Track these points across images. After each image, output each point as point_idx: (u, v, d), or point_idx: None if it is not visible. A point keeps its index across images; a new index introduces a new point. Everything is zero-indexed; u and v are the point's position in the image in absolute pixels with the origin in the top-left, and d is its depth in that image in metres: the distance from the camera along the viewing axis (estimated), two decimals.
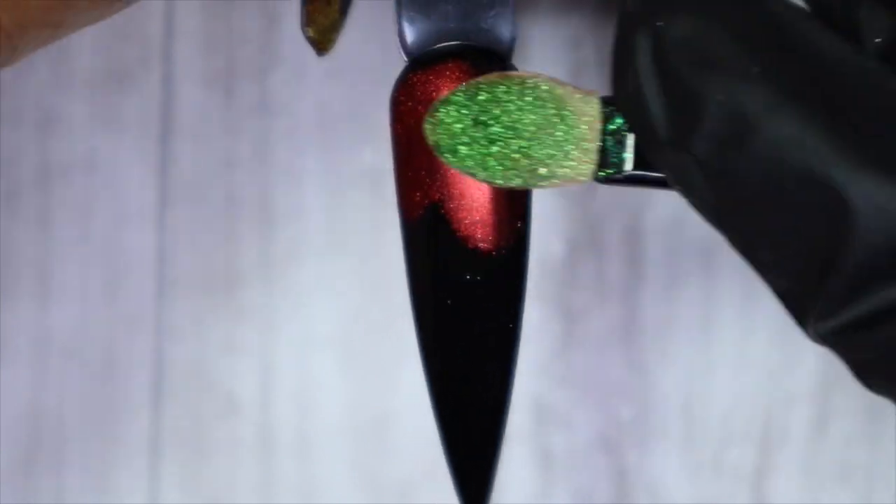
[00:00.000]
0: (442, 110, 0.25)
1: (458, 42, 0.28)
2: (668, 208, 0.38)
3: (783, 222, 0.22)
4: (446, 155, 0.26)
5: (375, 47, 0.38)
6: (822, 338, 0.23)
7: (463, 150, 0.25)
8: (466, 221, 0.28)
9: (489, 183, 0.26)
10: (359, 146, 0.38)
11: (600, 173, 0.26)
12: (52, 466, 0.39)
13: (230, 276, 0.39)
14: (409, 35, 0.28)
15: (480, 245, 0.28)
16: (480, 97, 0.25)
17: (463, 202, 0.28)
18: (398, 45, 0.29)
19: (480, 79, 0.25)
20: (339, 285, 0.39)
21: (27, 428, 0.39)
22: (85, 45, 0.38)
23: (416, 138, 0.27)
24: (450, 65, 0.28)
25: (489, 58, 0.28)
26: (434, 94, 0.28)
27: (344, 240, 0.39)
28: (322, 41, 0.28)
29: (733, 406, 0.39)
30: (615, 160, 0.26)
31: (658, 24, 0.23)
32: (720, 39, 0.23)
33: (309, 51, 0.39)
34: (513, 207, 0.29)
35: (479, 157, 0.25)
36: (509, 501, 0.39)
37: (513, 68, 0.28)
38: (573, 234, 0.38)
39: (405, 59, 0.29)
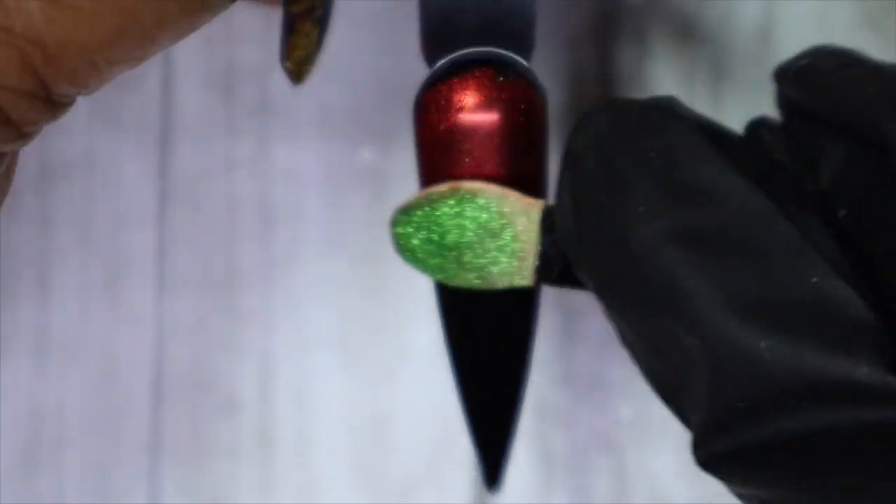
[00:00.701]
0: (401, 219, 0.28)
1: (481, 49, 0.29)
2: None
3: (659, 355, 0.23)
4: (404, 258, 0.28)
5: (375, 48, 0.38)
6: (701, 465, 0.23)
7: (417, 256, 0.28)
8: None
9: (441, 280, 0.28)
10: (359, 146, 0.38)
11: (543, 279, 0.28)
12: (53, 466, 0.39)
13: (230, 276, 0.39)
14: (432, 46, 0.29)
15: None
16: (432, 210, 0.28)
17: None
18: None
19: (434, 189, 0.28)
20: (339, 285, 0.39)
21: (27, 427, 0.39)
22: None
23: (440, 146, 0.28)
24: (475, 73, 0.28)
25: (512, 65, 0.29)
26: (460, 103, 0.28)
27: (344, 240, 0.39)
28: (299, 72, 0.29)
29: None
30: (554, 266, 0.27)
31: (578, 151, 0.25)
32: (624, 170, 0.24)
33: None
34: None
35: (430, 263, 0.28)
36: (509, 500, 0.39)
37: (531, 73, 0.29)
38: None
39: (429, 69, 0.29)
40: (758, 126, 0.27)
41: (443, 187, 0.27)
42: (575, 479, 0.39)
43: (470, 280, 0.28)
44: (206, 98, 0.39)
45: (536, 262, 0.27)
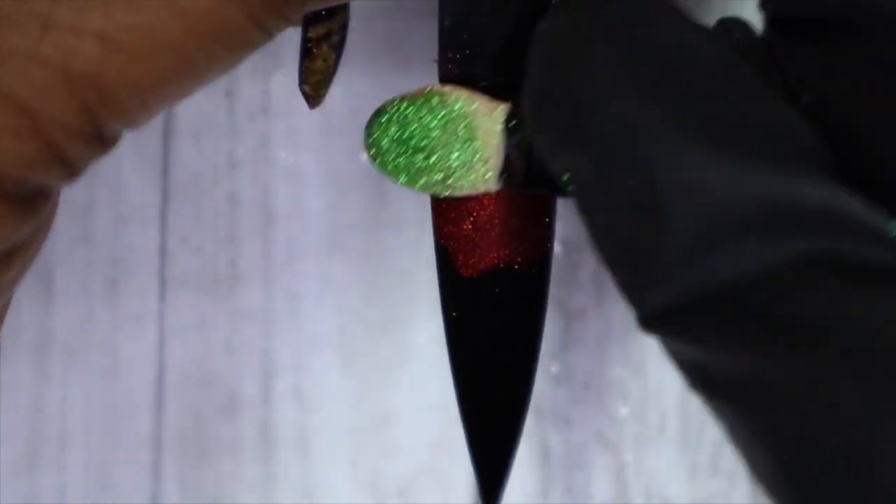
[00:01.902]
0: (372, 121, 0.29)
1: (495, 78, 0.29)
2: None
3: (614, 204, 0.22)
4: (375, 162, 0.29)
5: (376, 48, 0.38)
6: (647, 322, 0.22)
7: (385, 158, 0.29)
8: (499, 224, 0.30)
9: (407, 187, 0.29)
10: (359, 146, 0.38)
11: (508, 183, 0.29)
12: (54, 465, 0.39)
13: (231, 275, 0.39)
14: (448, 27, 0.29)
15: (514, 265, 0.30)
16: (404, 112, 0.29)
17: (497, 229, 0.29)
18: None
19: (405, 94, 0.29)
20: (340, 285, 0.39)
21: (29, 426, 0.39)
22: None
23: None
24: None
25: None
26: None
27: (344, 240, 0.39)
28: (316, 95, 0.30)
29: None
30: (518, 170, 0.28)
31: (544, 27, 0.25)
32: (586, 27, 0.24)
33: None
34: (543, 229, 0.30)
35: (399, 166, 0.29)
36: (508, 500, 0.39)
37: None
38: (571, 234, 0.39)
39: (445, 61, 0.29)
40: (729, 22, 0.27)
41: (413, 91, 0.29)
42: (573, 478, 0.39)
43: (434, 183, 0.29)
44: (207, 99, 0.39)
45: (501, 164, 0.28)
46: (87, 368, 0.39)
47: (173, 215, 0.39)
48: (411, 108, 0.29)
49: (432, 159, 0.29)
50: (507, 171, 0.28)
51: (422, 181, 0.29)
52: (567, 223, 0.39)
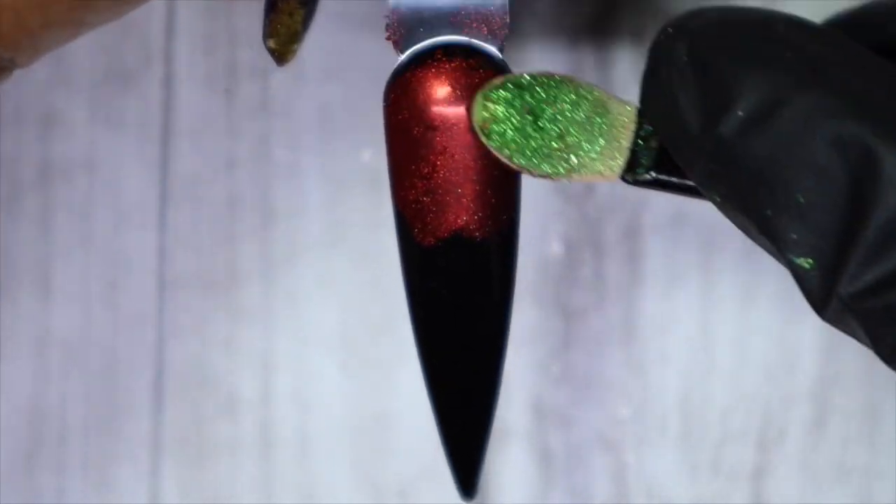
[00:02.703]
0: (493, 95, 0.27)
1: (452, 37, 0.28)
2: (668, 207, 0.38)
3: (812, 190, 0.24)
4: (493, 137, 0.27)
5: (375, 47, 0.38)
6: (845, 305, 0.24)
7: (508, 134, 0.27)
8: (460, 192, 0.28)
9: (523, 170, 0.28)
10: (359, 146, 0.38)
11: (628, 175, 0.28)
12: (53, 465, 0.39)
13: (230, 275, 0.39)
14: (403, 31, 0.28)
15: (474, 234, 0.29)
16: (537, 88, 0.28)
17: (452, 194, 0.28)
18: (392, 43, 0.29)
19: (529, 72, 0.28)
20: (339, 285, 0.39)
21: (28, 427, 0.39)
22: (85, 45, 0.38)
23: (411, 138, 0.28)
24: (450, 63, 0.28)
25: (483, 53, 0.28)
26: (432, 92, 0.28)
27: (344, 239, 0.39)
28: (282, 52, 0.29)
29: (732, 405, 0.39)
30: (644, 161, 0.28)
31: (694, 27, 0.26)
32: (751, 29, 0.25)
33: (309, 51, 0.39)
34: (503, 197, 0.29)
35: (521, 143, 0.27)
36: (508, 500, 0.39)
37: (504, 64, 0.29)
38: (571, 234, 0.39)
39: (389, 36, 0.29)
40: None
41: (536, 71, 0.28)
42: (574, 479, 0.39)
43: (560, 167, 0.28)
44: (206, 98, 0.39)
45: (628, 157, 0.28)
46: (86, 368, 0.39)
47: (172, 215, 0.39)
48: (544, 87, 0.28)
49: (568, 142, 0.28)
50: (632, 164, 0.28)
51: (547, 165, 0.28)
52: (567, 222, 0.39)
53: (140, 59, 0.39)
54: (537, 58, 0.38)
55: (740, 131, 0.24)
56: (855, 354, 0.38)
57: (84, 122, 0.39)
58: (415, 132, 0.28)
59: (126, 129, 0.39)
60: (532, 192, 0.40)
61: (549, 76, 0.28)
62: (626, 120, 0.28)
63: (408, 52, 0.28)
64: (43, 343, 0.39)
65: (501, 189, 0.28)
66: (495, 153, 0.28)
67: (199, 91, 0.39)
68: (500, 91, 0.27)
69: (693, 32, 0.25)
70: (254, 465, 0.39)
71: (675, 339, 0.39)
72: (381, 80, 0.29)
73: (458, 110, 0.28)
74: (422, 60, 0.28)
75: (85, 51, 0.38)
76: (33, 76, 0.38)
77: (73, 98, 0.38)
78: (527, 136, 0.27)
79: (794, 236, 0.24)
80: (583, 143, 0.28)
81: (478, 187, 0.28)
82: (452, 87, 0.28)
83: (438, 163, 0.28)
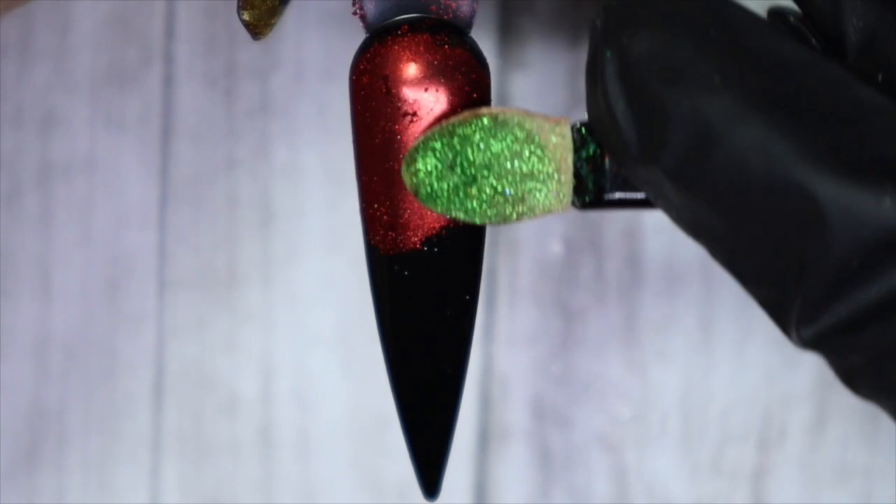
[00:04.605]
0: (419, 157, 0.26)
1: (419, 14, 0.28)
2: None
3: (756, 230, 0.22)
4: (425, 201, 0.26)
5: None
6: (806, 343, 0.23)
7: (442, 194, 0.26)
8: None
9: (469, 220, 0.26)
10: None
11: (576, 202, 0.26)
12: (53, 465, 0.39)
13: (230, 275, 0.39)
14: (370, 6, 0.28)
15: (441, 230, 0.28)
16: (455, 140, 0.26)
17: None
18: (359, 18, 0.28)
19: (453, 119, 0.26)
20: (339, 285, 0.39)
21: (28, 427, 0.39)
22: (86, 45, 0.38)
23: (374, 113, 0.27)
24: (414, 37, 0.28)
25: (450, 30, 0.28)
26: (397, 65, 0.27)
27: (344, 239, 0.39)
28: (257, 25, 0.28)
29: (732, 406, 0.39)
30: (591, 186, 0.26)
31: (622, 40, 0.24)
32: (682, 51, 0.23)
33: (309, 51, 0.39)
34: None
35: (457, 200, 0.26)
36: (508, 500, 0.39)
37: (472, 41, 0.28)
38: (572, 234, 0.39)
39: (366, 32, 0.28)
40: (778, 11, 0.27)
41: (461, 115, 0.26)
42: (574, 479, 0.39)
43: (505, 210, 0.26)
44: (206, 98, 0.39)
45: (573, 183, 0.26)
46: (86, 368, 0.39)
47: (172, 215, 0.39)
48: (462, 132, 0.26)
49: (501, 184, 0.26)
50: (580, 189, 0.26)
51: (492, 212, 0.26)
52: (567, 222, 0.39)
53: (140, 59, 0.39)
54: (537, 58, 0.38)
55: (679, 167, 0.23)
56: None
57: (84, 122, 0.39)
58: (378, 104, 0.27)
59: (126, 129, 0.39)
60: None
61: (475, 117, 0.26)
62: (564, 149, 0.26)
63: (373, 27, 0.28)
64: (43, 343, 0.39)
65: None
66: (433, 210, 0.27)
67: (199, 91, 0.39)
68: (424, 147, 0.26)
69: (623, 48, 0.23)
70: (254, 465, 0.39)
71: (674, 339, 0.39)
72: None
73: (421, 85, 0.27)
74: (387, 34, 0.28)
75: (85, 51, 0.38)
76: (34, 76, 0.38)
77: (74, 98, 0.38)
78: (461, 188, 0.26)
79: (745, 270, 0.23)
80: (524, 184, 0.26)
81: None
82: (415, 60, 0.27)
83: (400, 136, 0.27)
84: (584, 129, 0.26)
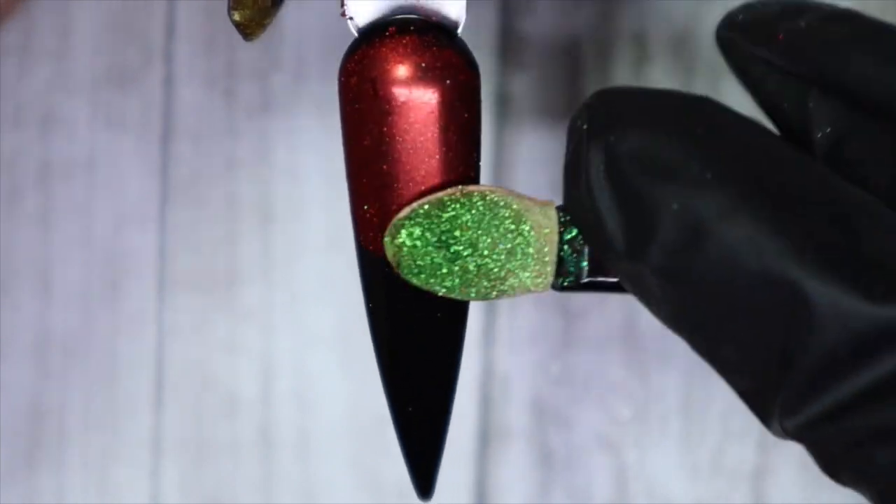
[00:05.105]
0: (403, 231, 0.26)
1: (408, 15, 0.27)
2: None
3: (741, 323, 0.23)
4: (407, 274, 0.26)
5: None
6: (789, 433, 0.23)
7: (424, 269, 0.26)
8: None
9: (447, 296, 0.26)
10: None
11: (558, 281, 0.26)
12: (54, 465, 0.39)
13: (230, 275, 0.39)
14: (356, 8, 0.28)
15: None
16: (441, 217, 0.26)
17: (411, 183, 0.28)
18: (348, 20, 0.28)
19: (440, 195, 0.26)
20: (339, 285, 0.39)
21: (28, 426, 0.39)
22: (86, 45, 0.38)
23: (363, 115, 0.27)
24: (401, 38, 0.27)
25: (438, 31, 0.28)
26: (384, 67, 0.27)
27: (344, 239, 0.39)
28: (248, 26, 0.28)
29: (732, 405, 0.39)
30: (572, 269, 0.26)
31: (609, 138, 0.24)
32: (670, 150, 0.23)
33: (309, 51, 0.39)
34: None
35: (439, 275, 0.26)
36: (508, 500, 0.39)
37: (462, 42, 0.28)
38: None
39: (355, 34, 0.28)
40: (731, 19, 0.27)
41: (449, 191, 0.26)
42: (574, 479, 0.39)
43: (485, 288, 0.26)
44: (206, 98, 0.39)
45: (554, 268, 0.26)
46: (86, 369, 0.39)
47: (172, 215, 0.39)
48: (452, 211, 0.26)
49: (485, 263, 0.26)
50: (560, 271, 0.26)
51: (472, 291, 0.26)
52: None
53: (140, 60, 0.39)
54: (537, 58, 0.38)
55: (666, 262, 0.23)
56: None
57: (85, 122, 0.39)
58: (366, 106, 0.27)
59: (126, 129, 0.39)
60: (532, 192, 0.40)
61: (462, 196, 0.26)
62: (549, 230, 0.26)
63: (361, 29, 0.28)
64: (43, 343, 0.39)
65: (460, 175, 0.28)
66: (412, 283, 0.26)
67: (199, 91, 0.39)
68: (410, 221, 0.26)
69: (610, 147, 0.24)
70: (254, 465, 0.39)
71: (675, 339, 0.39)
72: None
73: (409, 86, 0.27)
74: (375, 36, 0.27)
75: (86, 51, 0.38)
76: (34, 76, 0.38)
77: (74, 98, 0.38)
78: (445, 265, 0.26)
79: (728, 363, 0.24)
80: (509, 264, 0.26)
81: (432, 167, 0.27)
82: (403, 62, 0.27)
83: (389, 138, 0.27)
84: (566, 213, 0.26)
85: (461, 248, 0.26)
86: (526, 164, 0.38)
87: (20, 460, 0.39)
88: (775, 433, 0.24)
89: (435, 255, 0.26)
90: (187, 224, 0.39)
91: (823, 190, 0.23)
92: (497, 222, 0.26)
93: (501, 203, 0.26)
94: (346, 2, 0.28)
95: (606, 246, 0.24)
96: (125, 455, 0.39)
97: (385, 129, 0.27)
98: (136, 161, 0.39)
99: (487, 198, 0.26)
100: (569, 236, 0.26)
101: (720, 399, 0.39)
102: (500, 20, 0.38)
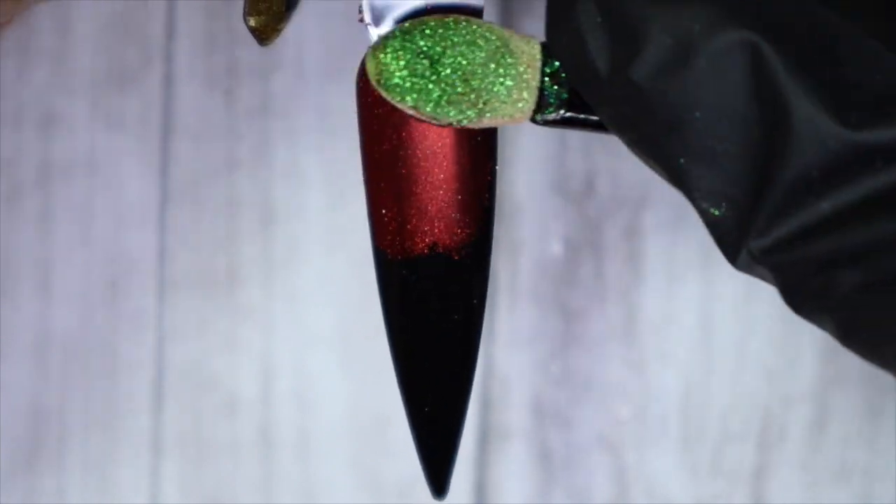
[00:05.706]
0: (389, 45, 0.26)
1: (425, 4, 0.28)
2: (668, 207, 0.38)
3: (726, 140, 0.23)
4: (390, 89, 0.26)
5: None
6: (755, 257, 0.23)
7: (406, 84, 0.26)
8: (430, 208, 0.28)
9: (429, 119, 0.26)
10: (359, 146, 0.38)
11: (538, 116, 0.27)
12: (54, 465, 0.39)
13: (230, 275, 0.39)
14: (374, 14, 0.28)
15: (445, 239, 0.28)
16: (427, 32, 0.26)
17: (428, 187, 0.28)
18: (366, 26, 0.28)
19: (425, 18, 0.26)
20: (339, 285, 0.39)
21: (29, 427, 0.39)
22: (86, 45, 0.38)
23: (381, 120, 0.27)
24: None
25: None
26: None
27: (344, 239, 0.39)
28: (263, 31, 0.28)
29: (732, 406, 0.39)
30: (553, 100, 0.27)
31: None
32: None
33: (309, 51, 0.39)
34: (478, 191, 0.28)
35: (423, 90, 0.26)
36: (508, 500, 0.39)
37: None
38: (572, 234, 0.39)
39: (374, 38, 0.28)
40: None
41: (436, 16, 0.27)
42: (574, 479, 0.39)
43: (467, 111, 0.26)
44: (206, 98, 0.39)
45: (536, 97, 0.27)
46: (86, 369, 0.39)
47: (172, 215, 0.39)
48: (436, 31, 0.26)
49: (473, 86, 0.26)
50: (541, 104, 0.27)
51: (453, 111, 0.26)
52: (567, 223, 0.39)
53: (140, 60, 0.39)
54: None
55: (652, 76, 0.23)
56: (855, 355, 0.38)
57: (84, 121, 0.39)
58: (385, 111, 0.27)
59: (126, 129, 0.39)
60: (532, 192, 0.40)
61: (443, 20, 0.26)
62: (532, 58, 0.27)
63: (376, 36, 0.28)
64: (43, 343, 0.39)
65: (473, 204, 0.28)
66: (399, 106, 0.26)
67: (199, 91, 0.39)
68: (390, 41, 0.26)
69: None
70: (254, 465, 0.39)
71: (674, 339, 0.39)
72: None
73: None
74: None
75: (86, 51, 0.38)
76: (34, 76, 0.38)
77: (74, 98, 0.38)
78: (426, 83, 0.26)
79: (706, 184, 0.24)
80: (489, 86, 0.26)
81: (450, 172, 0.28)
82: None
83: (408, 143, 0.27)
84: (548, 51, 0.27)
85: (447, 61, 0.26)
86: (526, 164, 0.38)
87: (20, 460, 0.39)
88: (741, 266, 0.24)
89: (418, 68, 0.26)
90: (187, 224, 0.39)
91: (811, 15, 0.23)
92: (482, 42, 0.26)
93: (486, 27, 0.27)
94: (363, 8, 0.28)
95: (588, 71, 0.25)
96: (125, 455, 0.39)
97: (404, 133, 0.27)
98: (136, 161, 0.39)
99: (475, 23, 0.27)
100: (550, 69, 0.27)
101: (720, 399, 0.39)
102: (500, 20, 0.38)
